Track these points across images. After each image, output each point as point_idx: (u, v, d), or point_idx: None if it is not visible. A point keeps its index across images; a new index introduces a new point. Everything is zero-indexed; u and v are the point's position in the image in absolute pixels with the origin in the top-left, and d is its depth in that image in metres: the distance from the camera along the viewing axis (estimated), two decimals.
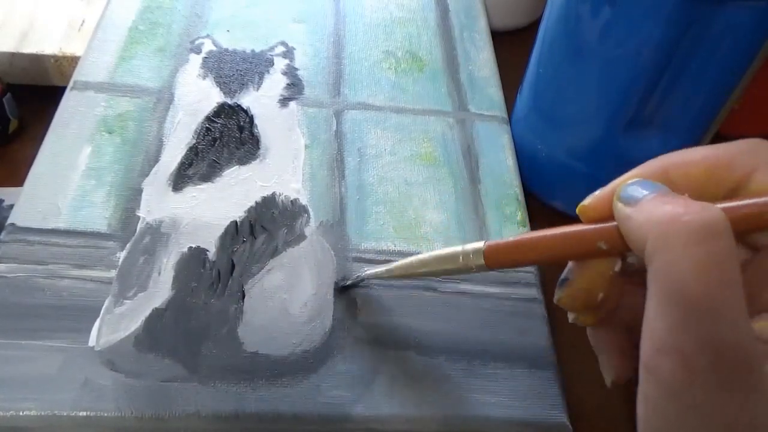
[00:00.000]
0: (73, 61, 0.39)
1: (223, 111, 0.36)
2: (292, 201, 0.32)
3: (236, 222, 0.31)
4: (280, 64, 0.39)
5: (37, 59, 0.40)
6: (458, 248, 0.23)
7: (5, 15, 0.42)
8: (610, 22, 0.29)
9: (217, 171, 0.33)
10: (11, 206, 0.30)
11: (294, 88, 0.38)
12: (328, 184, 0.34)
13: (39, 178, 0.31)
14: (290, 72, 0.39)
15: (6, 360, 0.25)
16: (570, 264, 0.20)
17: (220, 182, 0.33)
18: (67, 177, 0.32)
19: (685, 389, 0.14)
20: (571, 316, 0.22)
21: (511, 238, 0.21)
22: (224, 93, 0.37)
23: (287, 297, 0.29)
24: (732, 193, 0.18)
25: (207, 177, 0.33)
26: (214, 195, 0.32)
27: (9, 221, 0.30)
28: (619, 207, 0.17)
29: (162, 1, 0.42)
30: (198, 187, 0.32)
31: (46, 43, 0.41)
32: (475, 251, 0.22)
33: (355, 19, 0.43)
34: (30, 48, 0.40)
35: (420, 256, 0.25)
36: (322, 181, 0.34)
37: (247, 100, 0.36)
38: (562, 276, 0.21)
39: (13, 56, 0.40)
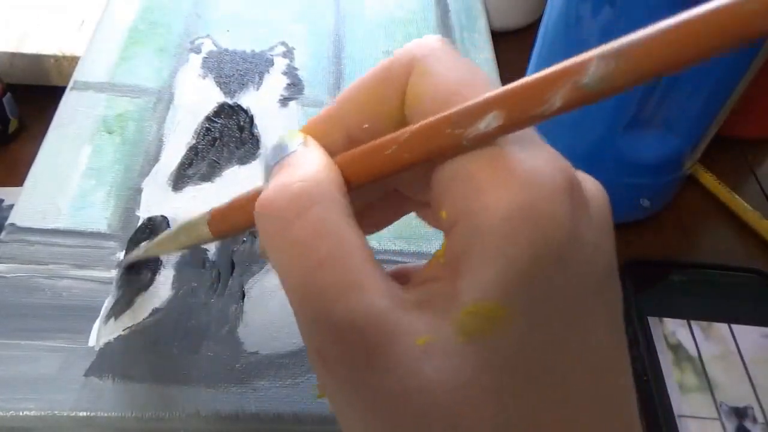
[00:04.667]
0: (73, 61, 0.39)
1: (223, 111, 0.36)
2: None
3: None
4: (280, 64, 0.39)
5: (37, 59, 0.40)
6: (186, 221, 0.21)
7: (5, 15, 0.42)
8: (610, 22, 0.29)
9: (217, 171, 0.33)
10: (11, 206, 0.30)
11: (294, 88, 0.38)
12: None
13: (39, 178, 0.31)
14: (290, 72, 0.39)
15: (6, 360, 0.25)
16: None
17: (220, 182, 0.33)
18: (67, 177, 0.32)
19: (332, 388, 0.12)
20: None
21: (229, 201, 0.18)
22: (224, 93, 0.37)
23: None
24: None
25: (207, 177, 0.33)
26: (214, 195, 0.32)
27: (9, 221, 0.30)
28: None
29: (162, 1, 0.42)
30: (198, 187, 0.32)
31: (46, 43, 0.41)
32: (202, 220, 0.19)
33: (355, 19, 0.43)
34: (30, 48, 0.40)
35: (160, 237, 0.24)
36: None
37: (247, 100, 0.36)
38: None
39: (13, 56, 0.40)
